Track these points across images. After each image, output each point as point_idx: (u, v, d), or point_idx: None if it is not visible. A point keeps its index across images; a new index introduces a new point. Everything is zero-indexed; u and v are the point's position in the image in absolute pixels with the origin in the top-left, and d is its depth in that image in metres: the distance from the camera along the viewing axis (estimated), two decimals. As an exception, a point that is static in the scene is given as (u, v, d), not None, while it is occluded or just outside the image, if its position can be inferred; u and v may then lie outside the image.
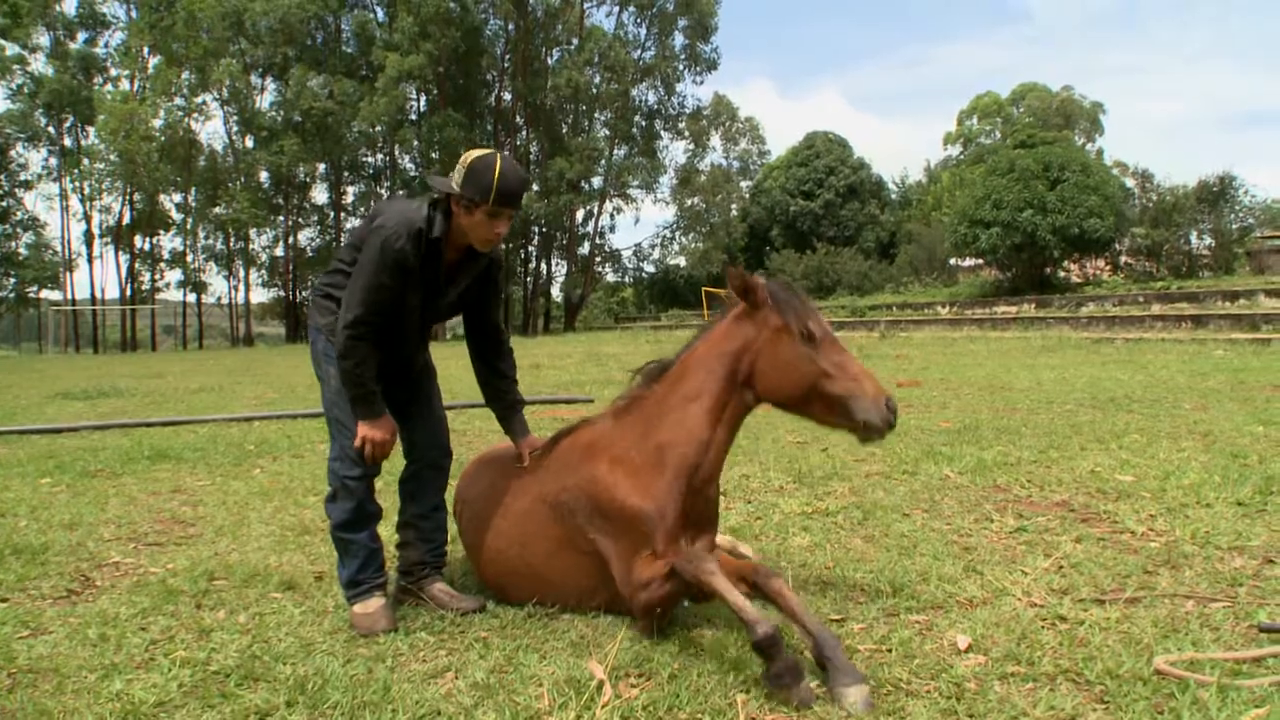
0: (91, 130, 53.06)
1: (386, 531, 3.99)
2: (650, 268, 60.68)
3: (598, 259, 58.70)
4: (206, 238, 56.19)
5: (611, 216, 59.39)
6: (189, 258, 56.65)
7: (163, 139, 51.09)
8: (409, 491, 3.79)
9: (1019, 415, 8.94)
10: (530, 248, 59.17)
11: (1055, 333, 22.79)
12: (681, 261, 58.17)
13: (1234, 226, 25.64)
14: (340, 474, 3.51)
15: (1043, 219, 26.74)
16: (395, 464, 3.90)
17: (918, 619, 3.40)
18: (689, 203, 57.50)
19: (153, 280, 58.17)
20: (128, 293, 56.47)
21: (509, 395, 3.87)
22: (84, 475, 7.06)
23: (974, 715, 2.62)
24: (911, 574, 3.90)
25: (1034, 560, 4.05)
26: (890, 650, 3.10)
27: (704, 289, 40.81)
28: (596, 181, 54.35)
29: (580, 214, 55.93)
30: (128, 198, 54.74)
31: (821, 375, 3.25)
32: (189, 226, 55.80)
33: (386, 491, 4.31)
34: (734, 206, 57.47)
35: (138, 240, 56.77)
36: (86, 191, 55.50)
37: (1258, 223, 26.31)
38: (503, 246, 3.78)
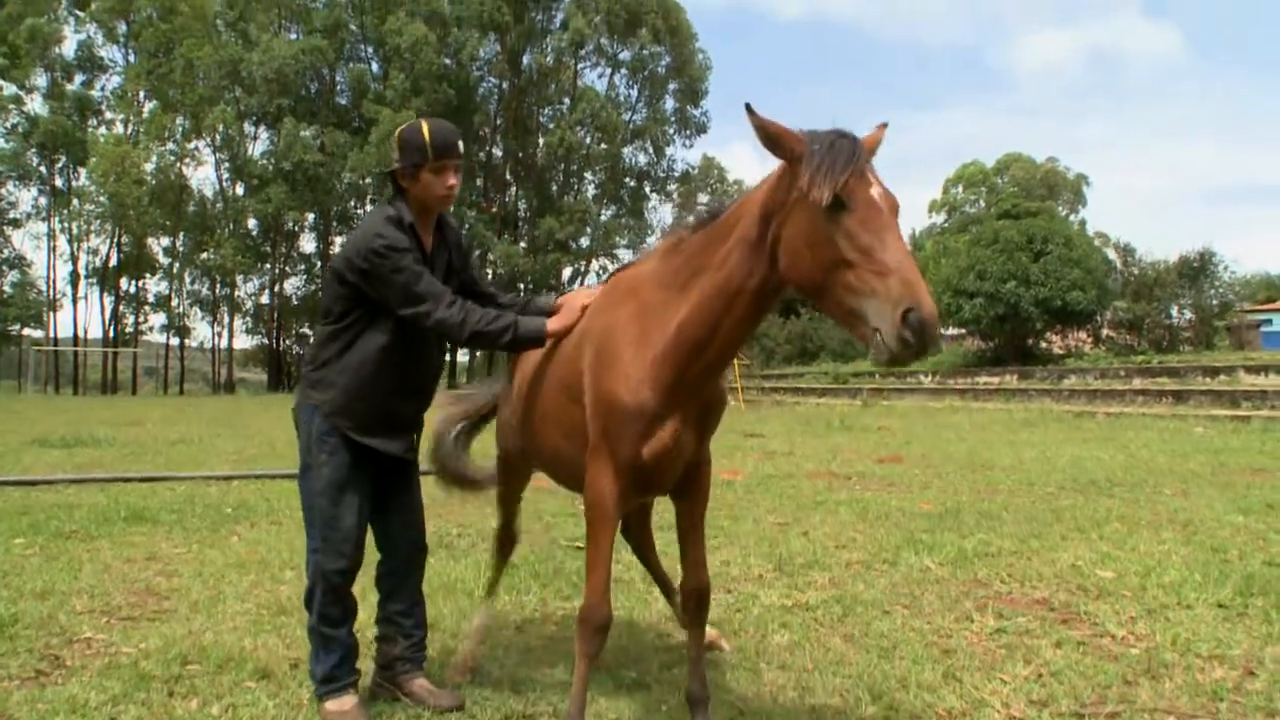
0: (83, 171, 53.21)
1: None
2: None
3: (583, 317, 58.89)
4: (193, 282, 56.27)
5: (597, 276, 59.79)
6: (174, 302, 56.58)
7: (154, 183, 51.29)
8: (386, 589, 3.76)
9: (1000, 497, 8.96)
10: (516, 303, 59.30)
11: (1037, 405, 22.91)
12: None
13: (1214, 302, 25.99)
14: (324, 568, 3.47)
15: (1026, 290, 27.02)
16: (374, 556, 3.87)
17: (897, 731, 3.39)
18: (675, 262, 57.92)
19: (136, 323, 58.01)
20: (110, 334, 56.21)
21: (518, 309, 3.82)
22: (58, 536, 6.98)
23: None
24: (891, 680, 3.89)
25: (1014, 666, 4.04)
26: (869, 766, 3.08)
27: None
28: (584, 241, 54.77)
29: (567, 272, 56.34)
30: (115, 240, 54.75)
31: (838, 261, 2.55)
32: (175, 270, 55.80)
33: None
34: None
35: (123, 282, 56.67)
36: (75, 232, 55.51)
37: (1237, 298, 26.65)
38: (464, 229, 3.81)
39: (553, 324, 3.48)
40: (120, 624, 4.79)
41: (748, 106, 2.69)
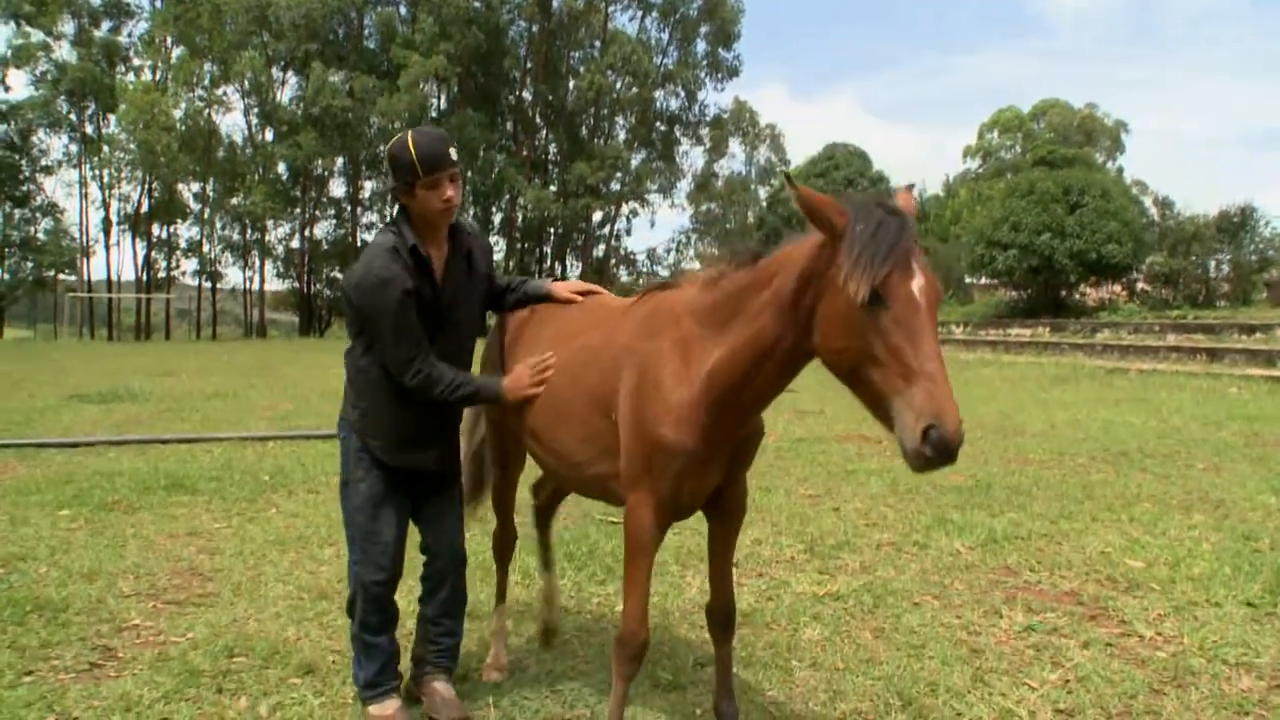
0: (112, 118, 53.38)
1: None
2: (664, 272, 60.76)
3: (612, 261, 58.84)
4: (223, 228, 56.54)
5: (628, 220, 59.61)
6: (205, 247, 56.99)
7: (183, 129, 51.40)
8: (426, 589, 3.81)
9: (1031, 469, 8.96)
10: (545, 248, 59.40)
11: (1069, 359, 22.75)
12: (696, 267, 58.23)
13: (1253, 257, 25.57)
14: (364, 579, 3.55)
15: (1060, 243, 26.71)
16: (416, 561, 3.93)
17: (926, 741, 3.46)
18: (705, 208, 57.65)
19: (168, 268, 58.55)
20: (144, 279, 56.82)
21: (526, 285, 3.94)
22: (102, 508, 7.15)
23: None
24: (920, 683, 3.96)
25: (1041, 670, 4.09)
26: (898, 782, 3.16)
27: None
28: (615, 185, 54.51)
29: (597, 216, 56.13)
30: (146, 186, 55.04)
31: (868, 355, 2.51)
32: (206, 216, 56.12)
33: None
34: (750, 214, 57.49)
35: (155, 228, 57.10)
36: (106, 179, 55.86)
37: (1278, 254, 26.20)
38: (477, 227, 3.82)
39: (510, 384, 3.56)
40: (167, 609, 4.93)
41: (787, 176, 2.63)
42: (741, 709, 3.61)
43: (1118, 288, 29.06)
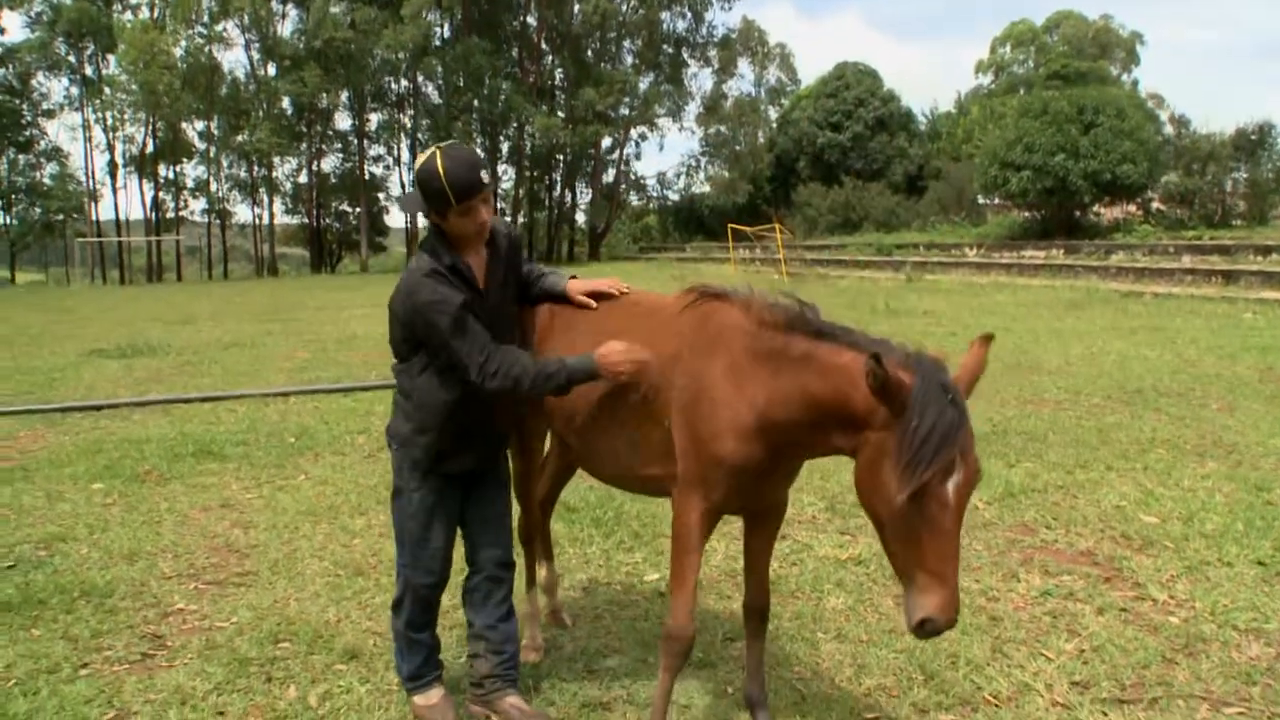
0: (112, 59, 52.81)
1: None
2: (675, 196, 60.31)
3: (622, 186, 58.40)
4: (230, 166, 56.26)
5: (636, 144, 59.03)
6: (213, 186, 56.84)
7: (184, 67, 50.83)
8: (472, 603, 3.81)
9: (1047, 411, 9.05)
10: (554, 175, 58.97)
11: (1084, 282, 22.64)
12: (706, 190, 57.74)
13: (1270, 175, 25.23)
14: (413, 582, 3.64)
15: (1075, 163, 26.38)
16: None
17: (946, 719, 3.60)
18: (714, 130, 56.92)
19: (177, 208, 58.45)
20: (153, 220, 56.77)
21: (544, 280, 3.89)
22: (134, 480, 7.32)
23: None
24: (941, 656, 4.10)
25: (1058, 640, 4.23)
26: (922, 764, 3.31)
27: (729, 225, 40.57)
28: (622, 110, 53.82)
29: (606, 142, 55.58)
30: (150, 127, 54.67)
31: (889, 527, 2.71)
32: (212, 155, 55.81)
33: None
34: (760, 136, 56.79)
35: (161, 169, 56.85)
36: (109, 121, 55.50)
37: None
38: (507, 221, 3.77)
39: (605, 357, 3.35)
40: (209, 590, 5.10)
41: (876, 358, 2.60)
42: (770, 685, 3.77)
43: (1132, 208, 28.77)
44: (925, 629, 2.62)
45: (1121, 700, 3.69)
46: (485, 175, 3.35)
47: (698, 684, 3.98)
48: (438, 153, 3.30)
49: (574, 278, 3.90)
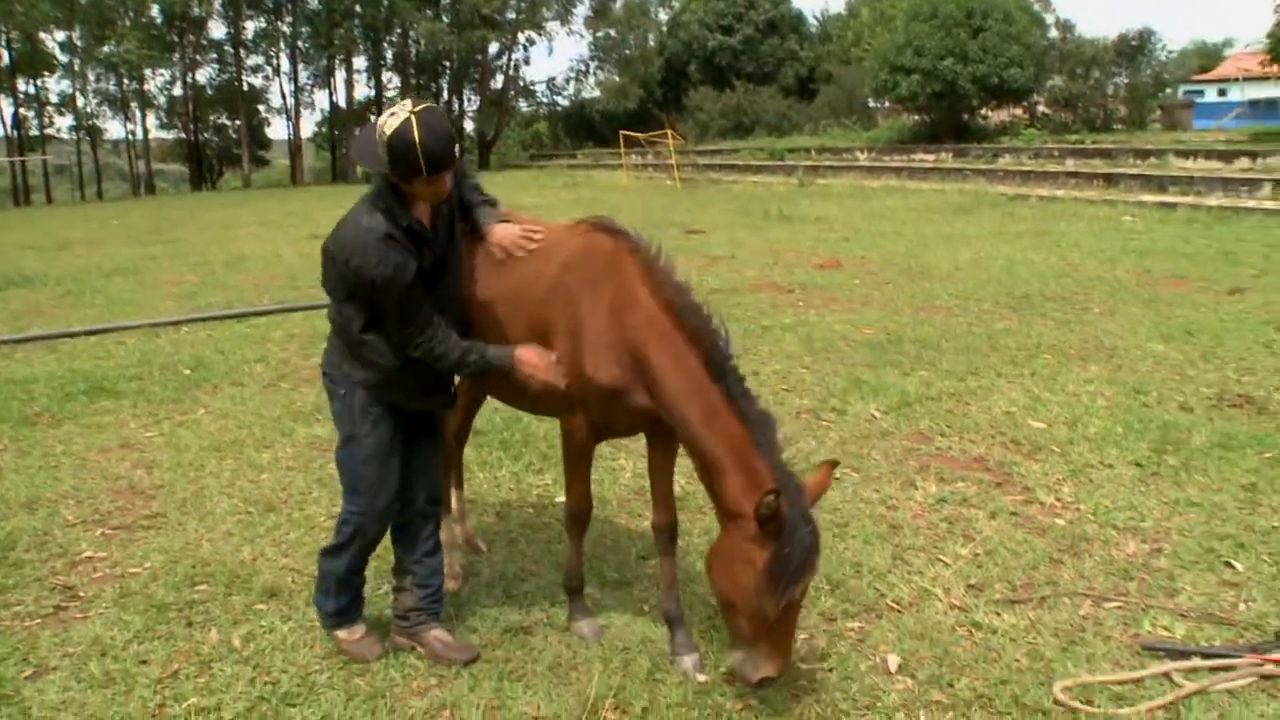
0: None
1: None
2: (565, 102, 59.26)
3: (511, 93, 57.13)
4: (97, 79, 52.91)
5: (525, 49, 57.63)
6: (80, 101, 53.51)
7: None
8: (401, 539, 3.85)
9: (939, 319, 9.38)
10: (441, 82, 57.32)
11: (972, 186, 23.25)
12: (597, 95, 56.87)
13: (1149, 80, 26.07)
14: (368, 529, 3.65)
15: (964, 67, 26.81)
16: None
17: (853, 626, 3.82)
18: (604, 34, 55.85)
19: (41, 126, 54.90)
20: (15, 139, 53.28)
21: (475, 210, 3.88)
22: (25, 423, 7.04)
23: (906, 753, 3.06)
24: (846, 565, 4.32)
25: (954, 545, 4.49)
26: (831, 670, 3.52)
27: (621, 131, 40.15)
28: (509, 14, 52.30)
29: (493, 47, 54.09)
30: (4, 37, 50.90)
31: (743, 619, 3.13)
32: (77, 68, 52.37)
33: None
34: (651, 39, 55.95)
35: (20, 83, 53.13)
36: (-44, 30, 51.44)
37: (1172, 78, 26.77)
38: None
39: (524, 358, 3.51)
40: (116, 535, 5.00)
41: (776, 494, 2.97)
42: (685, 601, 3.92)
43: (1019, 111, 29.47)
44: (764, 685, 3.14)
45: (1013, 601, 3.97)
46: (456, 147, 3.32)
47: (615, 602, 4.12)
48: (414, 120, 3.19)
49: (505, 219, 3.84)
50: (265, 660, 3.71)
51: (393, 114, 3.23)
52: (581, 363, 3.44)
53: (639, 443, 5.91)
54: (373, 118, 3.56)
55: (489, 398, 4.48)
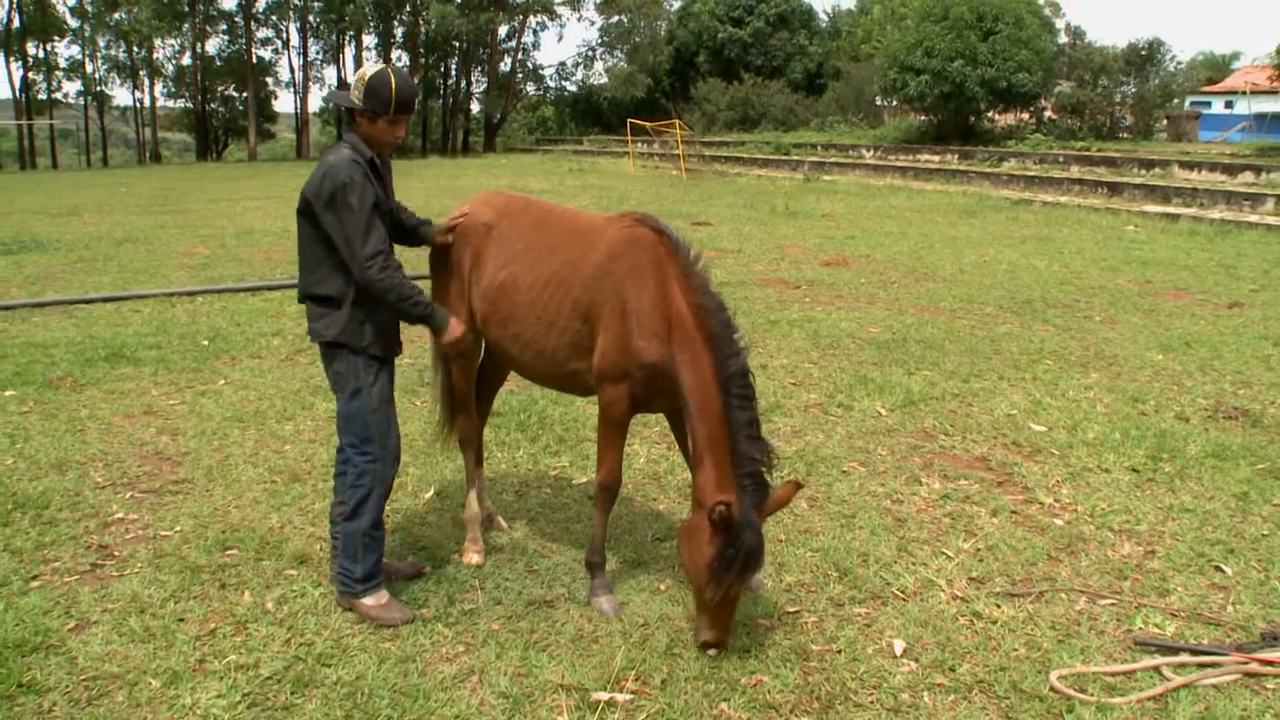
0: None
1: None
2: (572, 87, 59.19)
3: (519, 76, 57.08)
4: (107, 46, 52.86)
5: (534, 33, 57.53)
6: (88, 67, 53.39)
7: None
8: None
9: (943, 320, 9.56)
10: (450, 63, 57.27)
11: (976, 189, 23.40)
12: (605, 81, 56.81)
13: (1156, 90, 26.20)
14: (386, 474, 3.97)
15: (973, 70, 26.94)
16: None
17: (860, 611, 4.01)
18: (614, 20, 55.78)
19: (49, 90, 54.78)
20: (22, 103, 53.17)
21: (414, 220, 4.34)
22: (47, 387, 7.21)
23: (910, 730, 3.24)
24: (854, 555, 4.50)
25: (957, 540, 4.68)
26: (840, 652, 3.70)
27: (629, 119, 40.18)
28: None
29: (502, 30, 54.06)
30: (14, 1, 50.76)
31: (695, 587, 3.65)
32: (87, 34, 52.28)
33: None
34: (661, 28, 55.89)
35: (30, 47, 53.01)
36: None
37: (1180, 89, 26.91)
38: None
39: (453, 328, 4.07)
40: (146, 499, 5.17)
41: (728, 506, 3.42)
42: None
43: (1026, 115, 29.59)
44: (708, 647, 3.63)
45: (1012, 594, 4.15)
46: (416, 103, 3.89)
47: (632, 580, 4.30)
48: (389, 69, 3.81)
49: (428, 223, 4.36)
50: (299, 623, 3.89)
51: (371, 64, 3.89)
52: (630, 341, 3.78)
53: (654, 429, 6.12)
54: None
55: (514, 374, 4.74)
